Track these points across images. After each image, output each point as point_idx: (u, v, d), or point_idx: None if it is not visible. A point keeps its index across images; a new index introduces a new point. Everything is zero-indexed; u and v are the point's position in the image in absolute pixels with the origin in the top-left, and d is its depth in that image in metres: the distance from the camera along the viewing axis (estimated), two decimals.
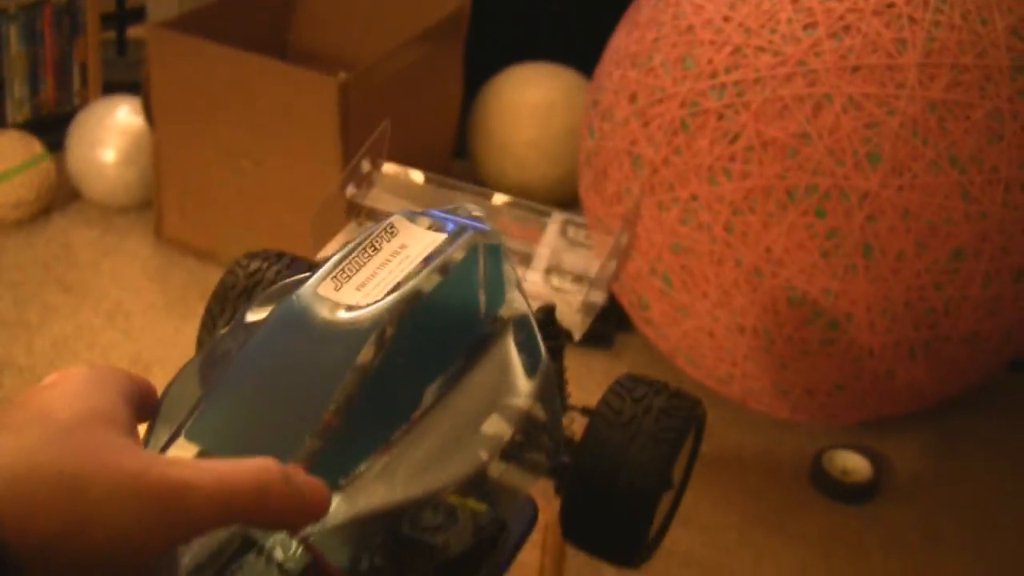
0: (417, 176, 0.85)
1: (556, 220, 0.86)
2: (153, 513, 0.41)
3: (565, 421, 0.77)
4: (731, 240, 1.86)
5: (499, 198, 0.87)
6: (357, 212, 0.83)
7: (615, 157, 2.02)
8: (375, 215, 0.82)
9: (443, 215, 0.70)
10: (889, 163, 1.75)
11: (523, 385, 0.64)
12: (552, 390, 0.66)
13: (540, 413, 0.64)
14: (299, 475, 0.47)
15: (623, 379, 0.77)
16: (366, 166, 0.83)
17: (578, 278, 0.81)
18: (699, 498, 2.05)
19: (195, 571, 0.59)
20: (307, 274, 0.62)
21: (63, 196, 2.77)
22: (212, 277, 2.50)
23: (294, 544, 0.61)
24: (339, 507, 0.55)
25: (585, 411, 0.76)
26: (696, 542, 1.98)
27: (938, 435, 2.27)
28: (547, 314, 0.73)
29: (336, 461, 0.53)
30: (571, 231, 0.87)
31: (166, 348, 2.33)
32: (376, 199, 0.83)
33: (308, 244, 0.82)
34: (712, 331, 2.00)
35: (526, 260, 0.82)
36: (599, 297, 0.77)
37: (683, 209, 1.89)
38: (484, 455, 0.60)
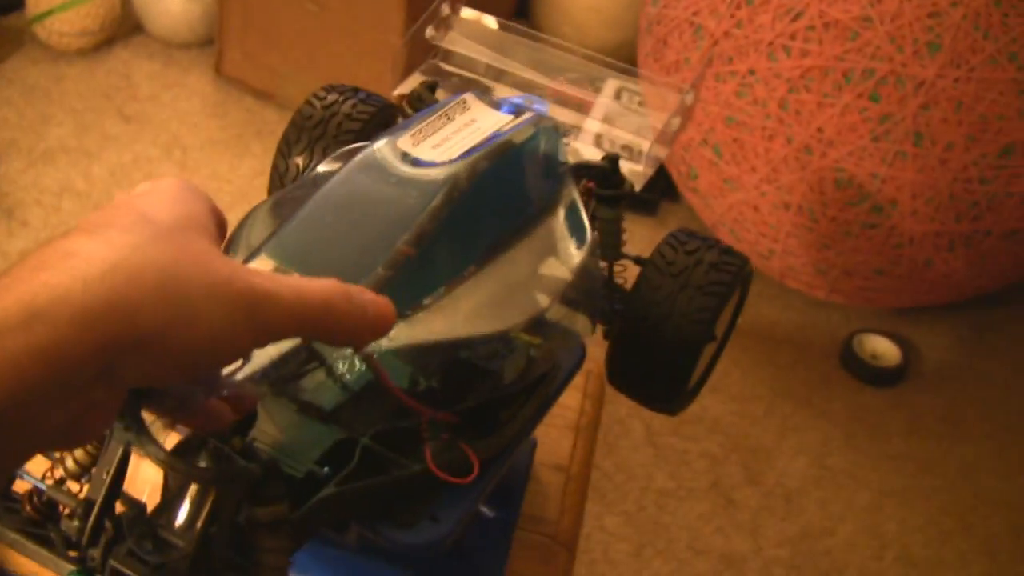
0: (491, 22, 0.88)
1: (611, 85, 0.87)
2: (241, 315, 0.44)
3: (617, 269, 0.80)
4: (784, 117, 1.87)
5: (567, 52, 0.90)
6: (434, 53, 0.86)
7: (677, 26, 2.02)
8: (450, 57, 0.85)
9: (509, 99, 0.76)
10: (948, 54, 1.76)
11: (574, 253, 0.68)
12: (596, 263, 0.71)
13: (588, 277, 0.68)
14: (363, 294, 0.50)
15: (677, 232, 0.80)
16: (445, 9, 0.85)
17: (628, 145, 0.83)
18: (730, 369, 2.10)
19: (261, 378, 0.64)
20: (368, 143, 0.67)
21: (126, 29, 2.78)
22: (269, 117, 2.55)
23: (357, 360, 0.65)
24: (401, 331, 0.59)
25: (638, 260, 0.79)
26: (724, 410, 2.03)
27: (970, 329, 2.30)
28: (612, 163, 0.76)
29: (403, 291, 0.57)
30: (625, 97, 0.89)
31: (221, 183, 2.37)
32: (453, 42, 0.86)
33: (368, 89, 0.85)
34: (758, 205, 2.02)
35: (579, 124, 0.84)
36: (662, 151, 0.80)
37: (740, 83, 1.90)
38: (543, 302, 0.64)
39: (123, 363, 0.42)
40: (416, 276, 0.59)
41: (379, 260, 0.57)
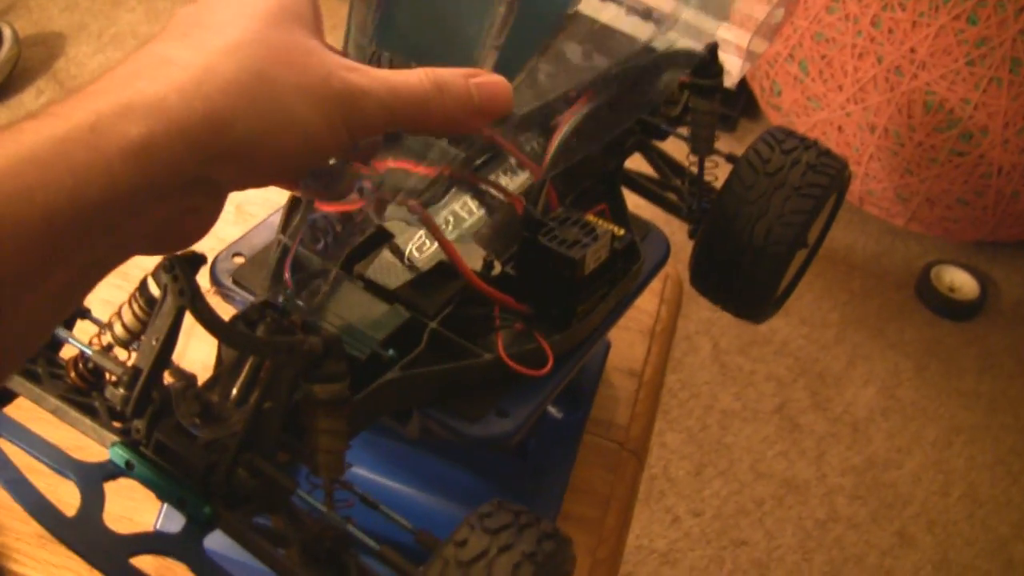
0: None
1: None
2: (336, 113, 0.45)
3: (708, 165, 0.76)
4: (876, 35, 1.80)
5: None
6: None
7: None
8: None
9: None
10: None
11: None
12: None
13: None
14: (458, 82, 0.48)
15: (774, 130, 0.76)
16: None
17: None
18: (803, 292, 2.04)
19: (328, 255, 0.60)
20: None
21: None
22: None
23: (428, 240, 0.61)
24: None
25: (731, 158, 0.75)
26: (794, 334, 1.98)
27: None
28: (711, 51, 0.71)
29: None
30: None
31: None
32: None
33: None
34: (842, 126, 1.96)
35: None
36: (760, 46, 0.75)
37: None
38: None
39: (218, 170, 0.42)
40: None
41: (479, 39, 0.54)
